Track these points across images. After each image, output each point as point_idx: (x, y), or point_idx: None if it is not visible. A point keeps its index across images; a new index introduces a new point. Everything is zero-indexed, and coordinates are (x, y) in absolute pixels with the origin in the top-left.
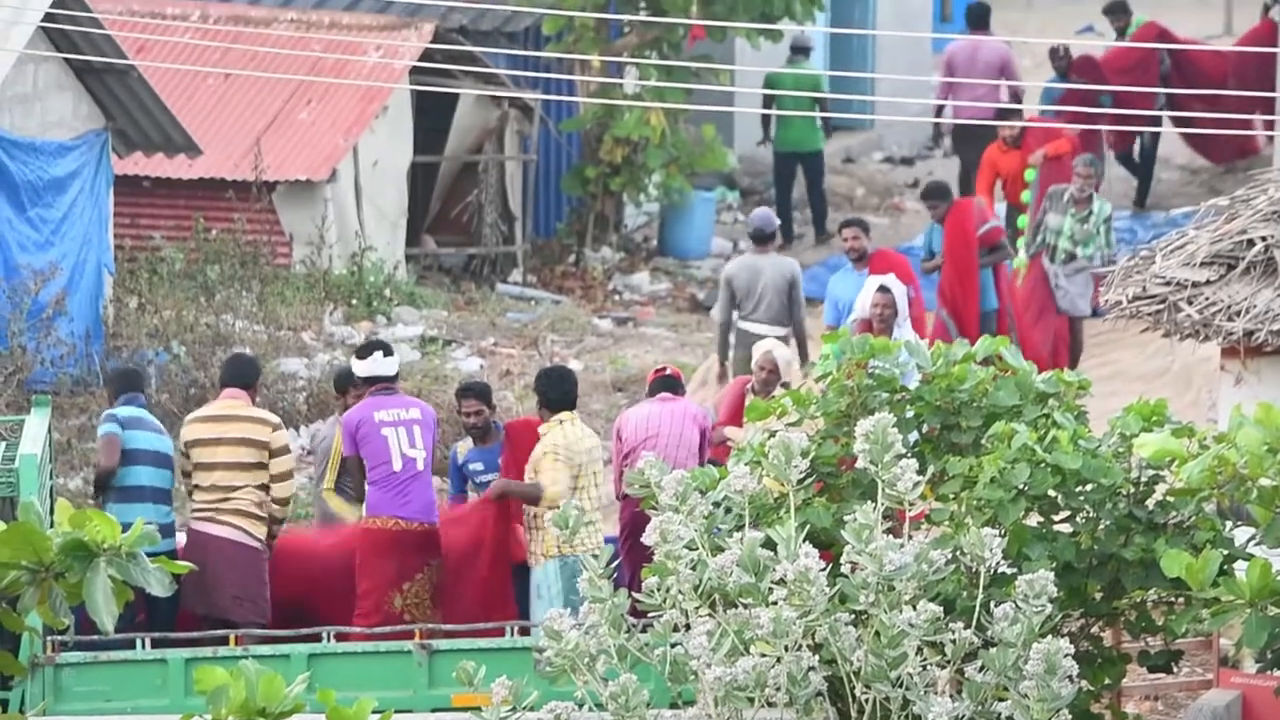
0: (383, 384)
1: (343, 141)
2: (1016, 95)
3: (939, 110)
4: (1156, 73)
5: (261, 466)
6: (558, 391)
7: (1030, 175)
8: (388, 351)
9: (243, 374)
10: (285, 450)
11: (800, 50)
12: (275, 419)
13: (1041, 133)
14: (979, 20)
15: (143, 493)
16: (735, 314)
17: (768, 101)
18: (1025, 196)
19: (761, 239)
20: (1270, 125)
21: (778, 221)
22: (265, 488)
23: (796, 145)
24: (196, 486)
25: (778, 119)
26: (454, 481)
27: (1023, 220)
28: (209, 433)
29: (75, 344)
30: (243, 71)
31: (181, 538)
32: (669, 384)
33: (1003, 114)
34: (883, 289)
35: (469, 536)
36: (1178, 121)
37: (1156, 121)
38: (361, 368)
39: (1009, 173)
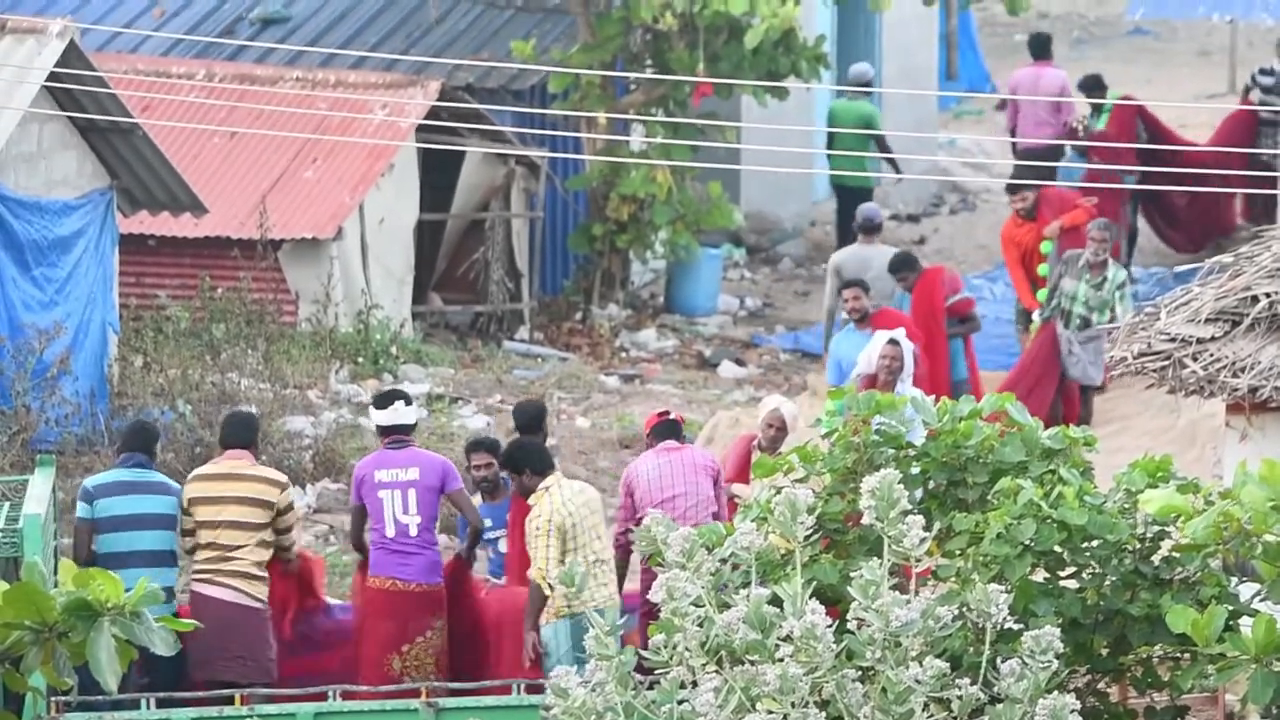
0: (398, 435)
1: (349, 199)
2: (1074, 124)
3: (1012, 135)
4: (1135, 145)
5: (265, 527)
6: (538, 459)
7: (1047, 248)
8: (408, 401)
9: (241, 435)
10: (291, 509)
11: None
12: (283, 478)
13: (1057, 201)
14: (1041, 49)
15: (131, 558)
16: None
17: (830, 138)
18: (1042, 269)
19: (869, 229)
20: (1249, 201)
21: (884, 214)
22: (267, 545)
23: (851, 180)
24: (197, 545)
25: (832, 156)
26: (464, 539)
27: (1042, 294)
28: (214, 490)
29: (80, 403)
30: (248, 130)
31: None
32: (673, 429)
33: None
34: (893, 342)
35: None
36: (1158, 206)
37: (1146, 195)
38: (381, 417)
39: (1025, 246)
